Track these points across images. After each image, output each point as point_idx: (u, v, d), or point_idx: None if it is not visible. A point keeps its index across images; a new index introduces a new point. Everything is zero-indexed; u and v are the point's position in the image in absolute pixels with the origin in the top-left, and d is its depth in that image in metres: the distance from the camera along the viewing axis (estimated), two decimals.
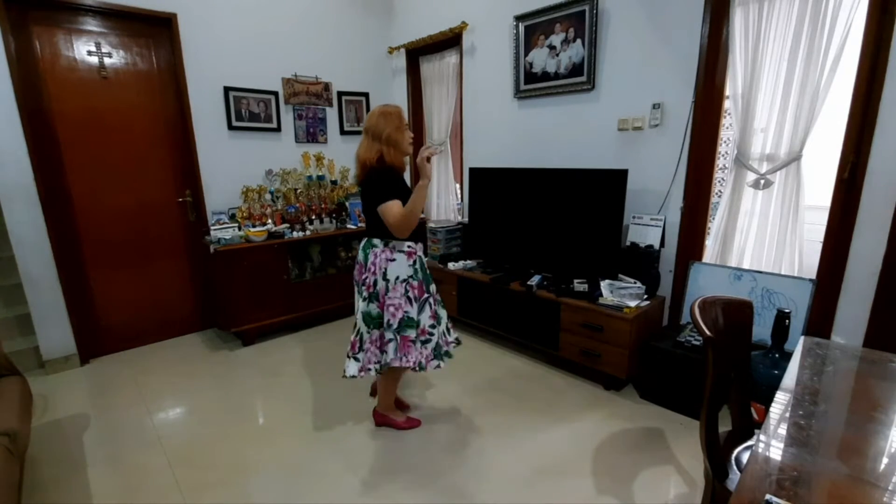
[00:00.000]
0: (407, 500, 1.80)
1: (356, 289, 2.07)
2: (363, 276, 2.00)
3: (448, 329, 2.23)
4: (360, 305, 2.02)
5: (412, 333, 2.00)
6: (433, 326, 2.06)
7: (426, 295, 2.06)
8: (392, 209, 1.87)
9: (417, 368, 2.00)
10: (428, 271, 2.13)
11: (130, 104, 3.05)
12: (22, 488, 1.62)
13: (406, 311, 1.98)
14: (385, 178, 1.92)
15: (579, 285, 2.69)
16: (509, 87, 3.33)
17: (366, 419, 2.33)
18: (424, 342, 2.03)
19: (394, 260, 1.97)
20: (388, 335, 1.98)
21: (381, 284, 1.96)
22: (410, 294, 1.99)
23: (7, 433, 1.61)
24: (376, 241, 1.98)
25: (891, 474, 0.89)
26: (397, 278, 1.97)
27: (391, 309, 1.96)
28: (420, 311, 2.02)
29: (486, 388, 2.63)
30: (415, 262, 2.01)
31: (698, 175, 2.52)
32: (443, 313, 2.19)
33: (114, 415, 2.44)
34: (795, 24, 2.11)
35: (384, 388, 2.21)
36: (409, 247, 2.00)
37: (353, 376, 2.02)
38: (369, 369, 2.02)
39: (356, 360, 2.04)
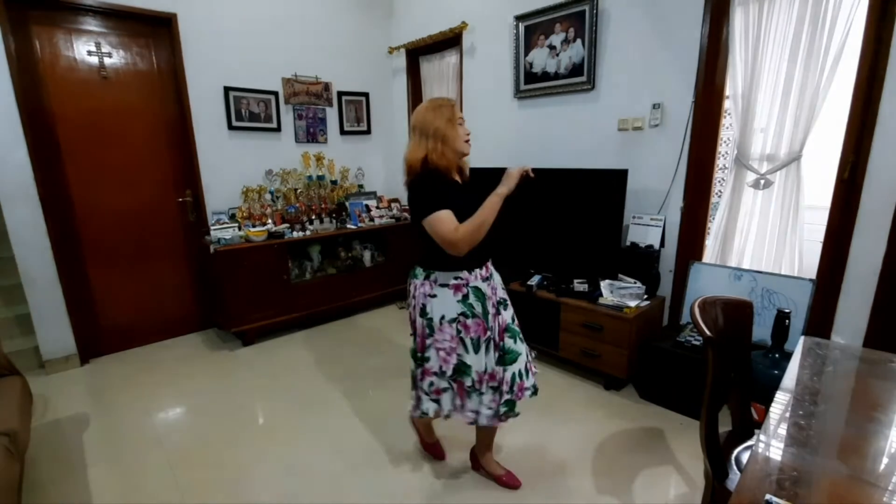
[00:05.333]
0: (407, 500, 1.80)
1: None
2: (409, 309, 1.72)
3: (525, 371, 1.72)
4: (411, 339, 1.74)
5: (468, 380, 1.64)
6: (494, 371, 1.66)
7: (488, 334, 1.64)
8: (442, 221, 1.49)
9: (474, 422, 1.70)
10: (497, 299, 1.70)
11: (130, 104, 3.05)
12: (22, 488, 1.62)
13: (459, 356, 1.63)
14: (429, 183, 1.55)
15: (579, 285, 2.69)
16: (509, 87, 3.33)
17: (365, 419, 2.33)
18: (483, 392, 1.66)
19: (434, 296, 1.61)
20: (443, 383, 1.67)
21: (418, 321, 1.66)
22: (465, 336, 1.62)
23: (7, 433, 1.61)
24: (418, 270, 1.66)
25: (891, 474, 0.89)
26: (443, 318, 1.61)
27: (441, 354, 1.63)
28: (477, 352, 1.62)
29: None
30: (466, 295, 1.61)
31: (698, 175, 2.52)
32: (516, 350, 1.70)
33: (114, 415, 2.43)
34: (795, 24, 2.11)
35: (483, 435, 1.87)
36: (456, 279, 1.61)
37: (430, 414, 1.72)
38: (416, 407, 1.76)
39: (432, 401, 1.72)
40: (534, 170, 1.68)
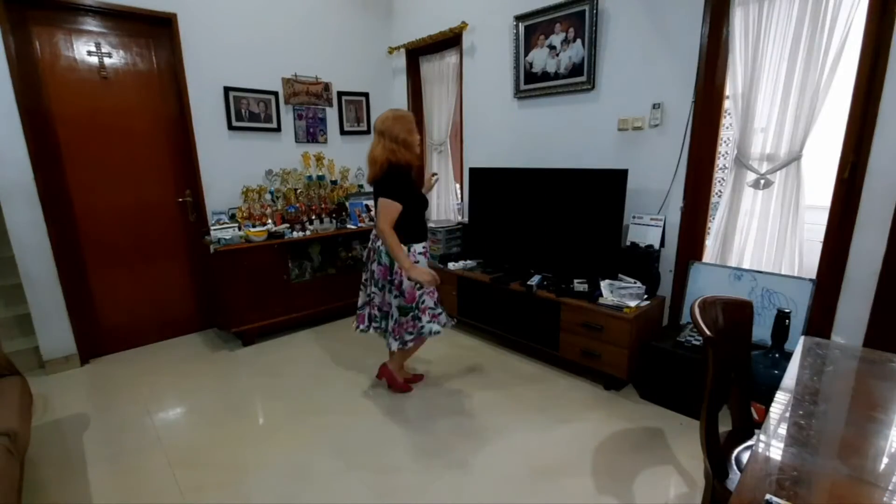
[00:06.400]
0: (407, 500, 1.80)
1: (375, 284, 2.31)
2: (388, 277, 2.24)
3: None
4: (391, 300, 2.28)
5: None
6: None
7: None
8: (390, 209, 2.10)
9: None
10: None
11: (130, 104, 3.05)
12: (22, 488, 1.62)
13: (436, 294, 2.36)
14: (398, 177, 2.14)
15: (579, 285, 2.69)
16: (509, 87, 3.32)
17: (365, 418, 2.34)
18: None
19: (417, 262, 2.22)
20: (438, 309, 2.36)
21: (406, 284, 2.20)
22: None
23: (7, 433, 1.61)
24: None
25: (891, 474, 0.89)
26: None
27: (432, 294, 2.33)
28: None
29: (486, 387, 2.63)
30: (429, 258, 2.37)
31: (698, 175, 2.52)
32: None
33: (114, 415, 2.44)
34: (795, 24, 2.11)
35: (405, 351, 2.44)
36: (424, 247, 2.31)
37: (400, 349, 2.37)
38: (406, 341, 2.34)
39: (396, 340, 2.33)
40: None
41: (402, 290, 2.25)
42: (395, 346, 2.33)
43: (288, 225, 3.45)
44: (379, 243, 2.25)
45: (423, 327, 2.33)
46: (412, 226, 2.19)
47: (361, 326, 2.45)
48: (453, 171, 4.11)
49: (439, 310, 2.38)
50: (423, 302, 2.30)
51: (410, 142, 2.17)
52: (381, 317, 2.39)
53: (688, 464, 1.95)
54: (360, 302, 2.47)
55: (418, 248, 2.24)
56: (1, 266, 3.03)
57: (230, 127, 3.42)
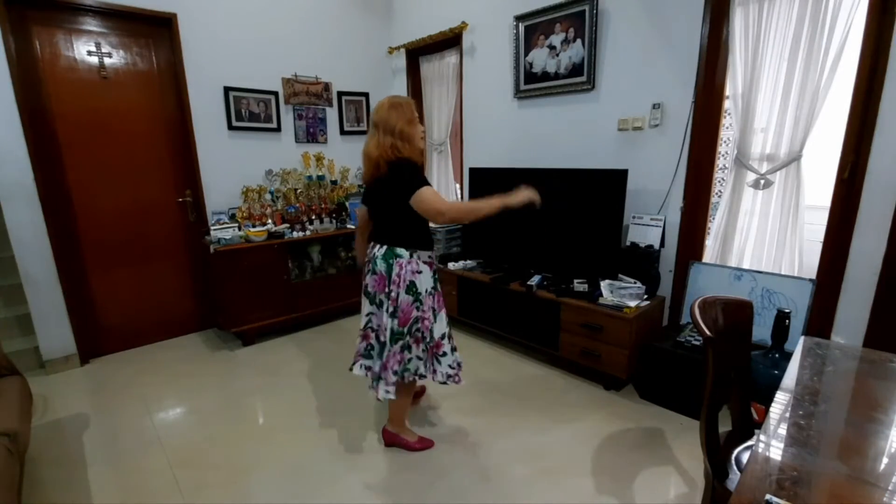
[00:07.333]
0: (407, 500, 1.80)
1: (371, 300, 1.91)
2: (386, 289, 1.83)
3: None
4: (386, 321, 1.84)
5: (432, 343, 1.93)
6: (450, 338, 1.99)
7: (442, 306, 1.96)
8: (433, 195, 1.70)
9: (447, 381, 1.95)
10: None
11: (130, 104, 3.05)
12: (22, 488, 1.62)
13: (432, 324, 1.90)
14: (409, 167, 1.75)
15: (579, 285, 2.69)
16: (509, 87, 3.32)
17: (365, 418, 2.34)
18: (442, 354, 1.95)
19: (420, 272, 1.83)
20: (421, 348, 1.89)
21: (402, 298, 1.81)
22: (434, 305, 1.90)
23: (7, 433, 1.61)
24: (401, 250, 1.81)
25: (891, 474, 0.89)
26: (426, 291, 1.85)
27: (426, 322, 1.86)
28: (436, 320, 1.92)
29: (486, 388, 2.63)
30: (435, 271, 1.92)
31: (698, 175, 2.52)
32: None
33: (114, 415, 2.43)
34: (795, 25, 2.11)
35: (398, 403, 2.00)
36: (429, 257, 1.89)
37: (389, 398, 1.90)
38: (392, 382, 1.88)
39: (382, 379, 1.89)
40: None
41: (397, 306, 1.82)
42: (381, 392, 1.87)
43: (288, 225, 3.45)
44: (376, 250, 1.86)
45: (410, 361, 1.87)
46: (418, 231, 1.82)
47: (354, 367, 2.01)
48: (453, 171, 4.11)
49: (421, 348, 1.87)
50: (416, 330, 1.85)
51: (410, 134, 1.77)
52: (374, 349, 1.93)
53: (688, 464, 1.95)
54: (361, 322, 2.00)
55: (424, 256, 1.85)
56: (1, 266, 3.03)
57: (230, 127, 3.42)
